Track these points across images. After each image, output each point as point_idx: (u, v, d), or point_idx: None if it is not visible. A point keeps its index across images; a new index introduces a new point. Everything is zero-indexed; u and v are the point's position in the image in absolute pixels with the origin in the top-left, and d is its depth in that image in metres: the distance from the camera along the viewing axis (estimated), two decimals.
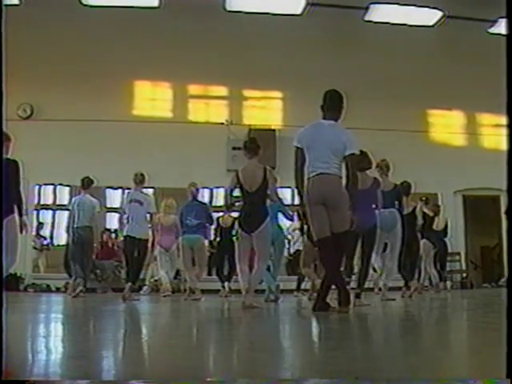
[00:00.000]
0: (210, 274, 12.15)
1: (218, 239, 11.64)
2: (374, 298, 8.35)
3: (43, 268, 13.51)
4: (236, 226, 6.61)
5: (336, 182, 5.38)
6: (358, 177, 5.72)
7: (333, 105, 5.54)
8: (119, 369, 2.22)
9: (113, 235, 13.20)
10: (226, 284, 11.16)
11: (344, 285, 5.52)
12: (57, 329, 4.28)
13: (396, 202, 7.94)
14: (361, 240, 7.02)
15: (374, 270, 8.64)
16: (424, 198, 10.94)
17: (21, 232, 6.35)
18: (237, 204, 6.78)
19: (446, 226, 11.53)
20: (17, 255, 6.15)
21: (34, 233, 13.31)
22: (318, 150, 5.37)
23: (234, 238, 6.52)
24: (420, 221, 10.17)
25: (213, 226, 10.76)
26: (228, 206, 6.91)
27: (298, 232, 11.45)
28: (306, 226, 8.65)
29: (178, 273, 11.86)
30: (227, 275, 11.30)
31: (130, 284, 8.79)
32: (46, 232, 13.79)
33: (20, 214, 6.20)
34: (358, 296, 6.77)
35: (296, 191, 5.68)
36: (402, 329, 4.36)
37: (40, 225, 13.67)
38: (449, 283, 11.94)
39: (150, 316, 6.35)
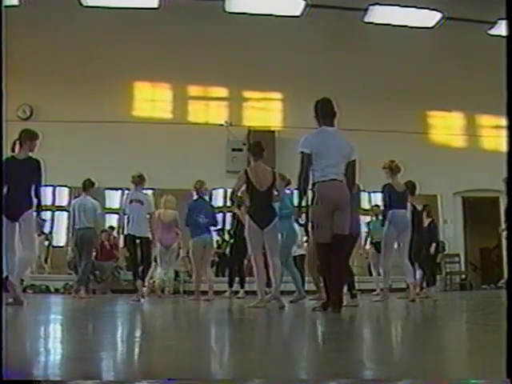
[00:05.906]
0: (217, 275, 12.21)
1: (231, 240, 11.03)
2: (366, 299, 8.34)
3: (47, 267, 13.47)
4: (248, 220, 6.54)
5: (346, 187, 5.62)
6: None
7: (327, 112, 5.73)
8: (120, 369, 2.21)
9: (114, 233, 13.16)
10: (233, 284, 10.71)
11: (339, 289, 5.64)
12: (56, 330, 4.27)
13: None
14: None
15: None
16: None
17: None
18: (243, 203, 7.00)
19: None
20: (36, 250, 6.28)
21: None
22: (330, 156, 5.52)
23: (246, 233, 6.56)
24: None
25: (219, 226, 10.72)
26: (233, 203, 7.17)
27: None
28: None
29: (177, 274, 11.82)
30: (240, 276, 10.69)
31: (140, 281, 8.78)
32: (46, 230, 13.72)
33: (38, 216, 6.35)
34: (355, 296, 6.82)
35: (297, 193, 5.77)
36: (402, 330, 4.36)
37: (42, 221, 13.51)
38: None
39: (158, 317, 6.34)
